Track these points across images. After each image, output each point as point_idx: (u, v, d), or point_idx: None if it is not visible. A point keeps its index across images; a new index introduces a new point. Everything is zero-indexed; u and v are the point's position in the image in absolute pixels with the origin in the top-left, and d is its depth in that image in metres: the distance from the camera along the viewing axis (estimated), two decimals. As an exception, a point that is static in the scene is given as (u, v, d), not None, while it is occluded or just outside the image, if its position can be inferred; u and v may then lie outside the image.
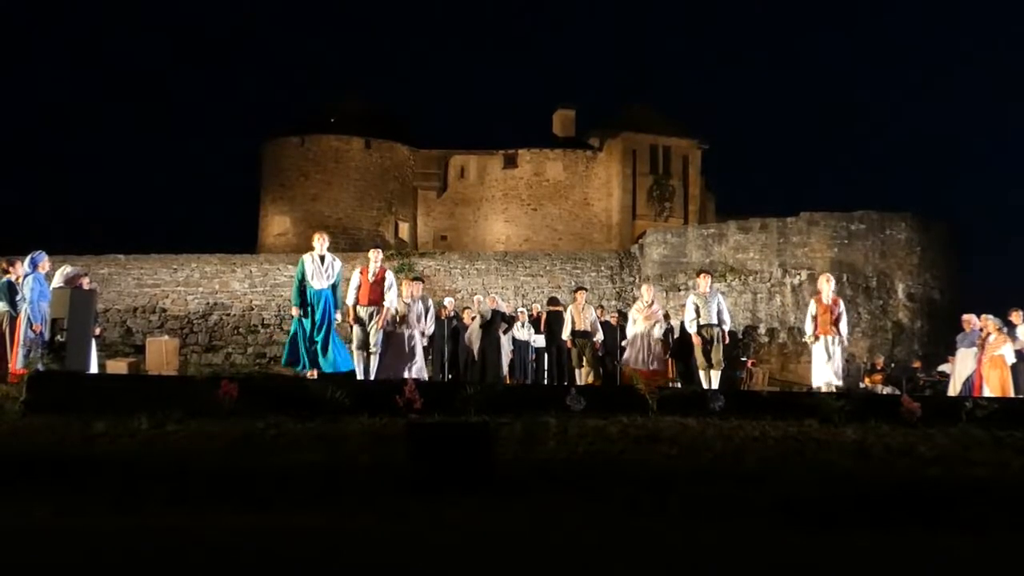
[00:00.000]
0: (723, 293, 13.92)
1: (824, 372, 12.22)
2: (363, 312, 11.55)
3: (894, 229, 27.60)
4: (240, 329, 28.62)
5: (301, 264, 11.28)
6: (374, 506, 5.49)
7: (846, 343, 12.65)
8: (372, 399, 9.19)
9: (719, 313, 12.71)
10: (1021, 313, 13.73)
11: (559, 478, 6.44)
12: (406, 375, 11.86)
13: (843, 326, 12.44)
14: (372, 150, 42.57)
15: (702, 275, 13.13)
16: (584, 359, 14.01)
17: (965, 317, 14.42)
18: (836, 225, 27.47)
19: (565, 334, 14.25)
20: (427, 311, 13.26)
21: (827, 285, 12.53)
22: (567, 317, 14.29)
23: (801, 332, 25.95)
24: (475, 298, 18.09)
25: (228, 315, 28.86)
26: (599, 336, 14.25)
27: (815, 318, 12.41)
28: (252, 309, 28.98)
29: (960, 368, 14.13)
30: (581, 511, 5.42)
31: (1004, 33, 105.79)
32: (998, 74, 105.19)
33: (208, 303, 29.03)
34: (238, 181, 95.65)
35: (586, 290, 14.92)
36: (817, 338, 12.35)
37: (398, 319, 12.43)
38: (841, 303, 12.64)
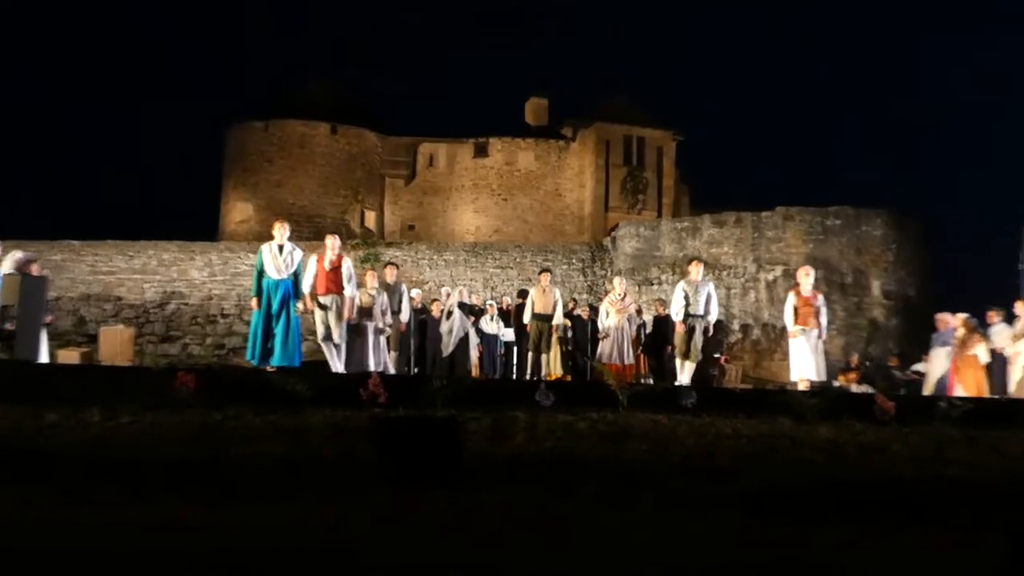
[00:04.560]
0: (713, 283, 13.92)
1: (805, 366, 12.26)
2: (321, 300, 11.55)
3: (870, 225, 27.90)
4: (198, 319, 28.37)
5: (260, 254, 11.24)
6: (338, 500, 5.48)
7: (825, 337, 12.74)
8: (335, 392, 9.16)
9: (707, 303, 12.74)
10: (997, 313, 13.92)
11: (528, 473, 6.47)
12: (371, 369, 11.86)
13: (823, 319, 12.51)
14: (338, 136, 42.36)
15: (694, 263, 13.11)
16: (543, 344, 13.98)
17: (939, 316, 14.61)
18: (811, 220, 27.73)
19: (526, 317, 14.25)
20: (400, 298, 13.24)
21: (806, 278, 12.58)
22: (528, 299, 14.26)
23: (775, 329, 26.25)
24: (443, 290, 18.08)
25: (186, 304, 28.61)
26: (559, 320, 14.16)
27: (796, 310, 12.45)
28: (211, 298, 28.75)
29: (934, 367, 14.32)
30: (550, 505, 5.46)
31: (986, 28, 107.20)
32: (978, 69, 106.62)
33: (165, 292, 28.74)
34: (199, 167, 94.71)
35: (551, 272, 14.81)
36: (803, 331, 12.37)
37: (358, 308, 12.42)
38: (820, 297, 12.72)
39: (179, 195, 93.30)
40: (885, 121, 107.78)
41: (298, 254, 11.31)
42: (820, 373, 12.38)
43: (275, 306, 11.03)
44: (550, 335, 14.10)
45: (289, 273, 11.13)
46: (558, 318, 14.19)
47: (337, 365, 11.69)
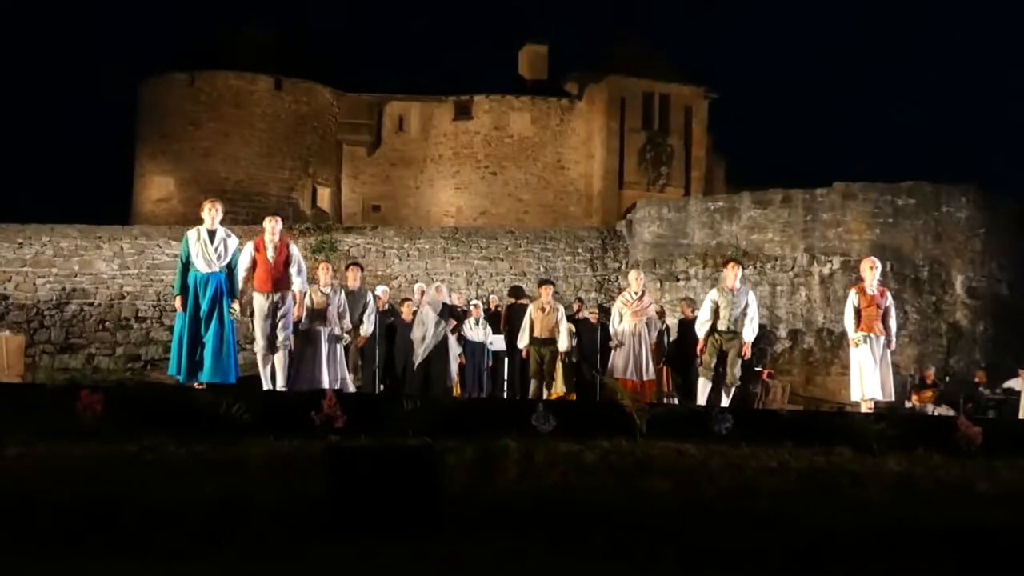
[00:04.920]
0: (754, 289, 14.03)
1: (869, 383, 12.31)
2: (263, 301, 11.54)
3: (952, 206, 27.94)
4: (107, 323, 28.29)
5: (185, 241, 11.25)
6: (282, 553, 5.48)
7: (894, 346, 12.80)
8: (281, 415, 9.19)
9: (745, 318, 12.81)
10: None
11: (521, 518, 6.47)
12: (325, 385, 11.87)
13: (892, 323, 12.58)
14: (284, 92, 42.26)
15: (731, 265, 13.21)
16: (546, 370, 14.19)
17: (1038, 319, 14.66)
18: (879, 199, 27.76)
19: (522, 342, 14.43)
20: (365, 308, 13.28)
21: (871, 272, 12.66)
22: (526, 319, 14.42)
23: (832, 335, 26.30)
24: (416, 287, 18.11)
25: (91, 305, 28.52)
26: (563, 345, 14.41)
27: (858, 312, 12.51)
28: (123, 297, 28.67)
29: (1032, 383, 14.40)
30: (549, 560, 5.46)
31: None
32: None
33: (64, 289, 28.65)
34: (107, 131, 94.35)
35: (553, 284, 14.99)
36: (867, 338, 12.42)
37: (310, 310, 12.45)
38: (888, 295, 12.79)
39: (82, 166, 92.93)
40: (975, 73, 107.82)
41: (233, 242, 11.31)
42: (887, 391, 12.44)
43: (204, 307, 11.04)
44: (553, 362, 14.28)
45: (222, 265, 11.14)
46: (564, 343, 14.39)
47: (279, 381, 11.71)
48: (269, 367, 11.76)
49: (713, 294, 13.01)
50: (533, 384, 14.47)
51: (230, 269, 11.25)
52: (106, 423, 8.64)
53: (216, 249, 11.12)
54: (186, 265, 11.16)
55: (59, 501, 6.58)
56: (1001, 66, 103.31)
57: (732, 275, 13.00)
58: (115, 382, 20.84)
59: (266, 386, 11.72)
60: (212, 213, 11.25)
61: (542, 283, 14.89)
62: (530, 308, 14.57)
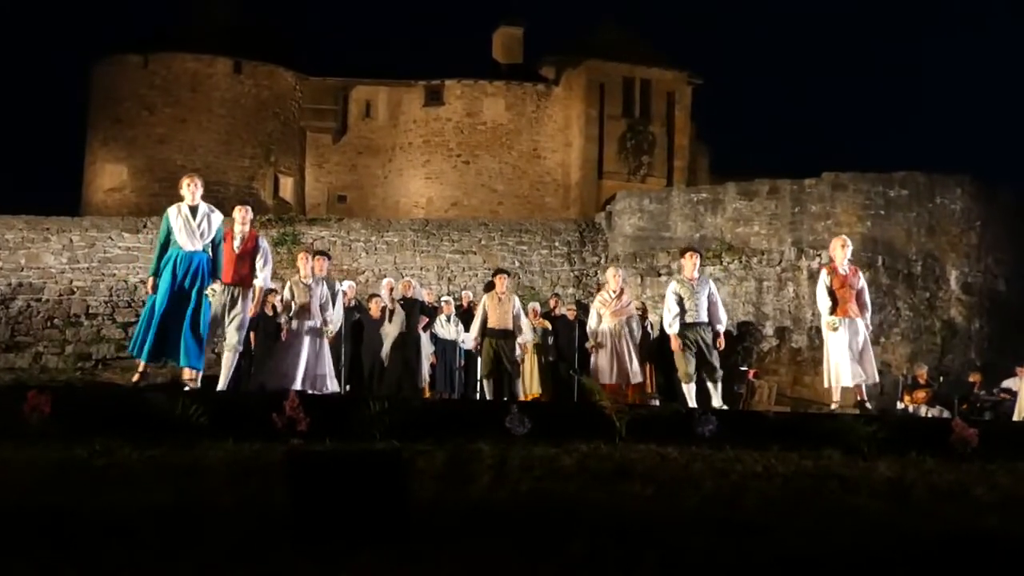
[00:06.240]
0: (717, 279, 14.08)
1: (846, 370, 12.31)
2: (221, 293, 11.47)
3: (947, 197, 28.10)
4: (55, 320, 28.14)
5: (165, 219, 11.22)
6: (242, 564, 5.45)
7: (871, 325, 12.85)
8: (240, 418, 9.15)
9: (711, 307, 12.82)
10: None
11: (495, 526, 6.47)
12: (297, 384, 11.86)
13: (867, 301, 12.60)
14: (244, 75, 42.15)
15: (688, 254, 13.19)
16: (505, 368, 14.10)
17: (1037, 316, 14.77)
18: (870, 190, 27.89)
19: (472, 332, 14.35)
20: (333, 298, 13.25)
21: (842, 250, 12.66)
22: (479, 310, 14.34)
23: (821, 333, 26.35)
24: (384, 282, 18.08)
25: (38, 300, 28.35)
26: (529, 335, 14.32)
27: (832, 292, 12.52)
28: (73, 292, 28.51)
29: (1030, 384, 14.50)
30: (524, 570, 5.45)
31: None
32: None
33: (10, 284, 28.46)
34: (56, 116, 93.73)
35: (508, 274, 14.93)
36: (843, 321, 12.45)
37: (294, 305, 12.43)
38: (860, 274, 12.83)
39: (29, 153, 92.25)
40: (970, 59, 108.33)
41: (217, 217, 11.28)
42: (871, 373, 12.46)
43: (184, 286, 10.94)
44: (512, 355, 14.21)
45: (205, 243, 11.06)
46: (527, 333, 14.30)
47: (220, 383, 11.69)
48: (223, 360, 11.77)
49: (674, 286, 12.99)
50: (488, 385, 14.34)
51: (214, 246, 11.19)
52: (54, 425, 8.60)
53: (199, 225, 11.04)
54: (164, 245, 11.10)
55: (3, 508, 6.53)
56: (997, 55, 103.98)
57: (690, 265, 13.03)
58: (64, 382, 20.72)
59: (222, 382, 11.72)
60: (192, 188, 11.21)
61: (496, 272, 14.81)
62: (484, 299, 14.48)
